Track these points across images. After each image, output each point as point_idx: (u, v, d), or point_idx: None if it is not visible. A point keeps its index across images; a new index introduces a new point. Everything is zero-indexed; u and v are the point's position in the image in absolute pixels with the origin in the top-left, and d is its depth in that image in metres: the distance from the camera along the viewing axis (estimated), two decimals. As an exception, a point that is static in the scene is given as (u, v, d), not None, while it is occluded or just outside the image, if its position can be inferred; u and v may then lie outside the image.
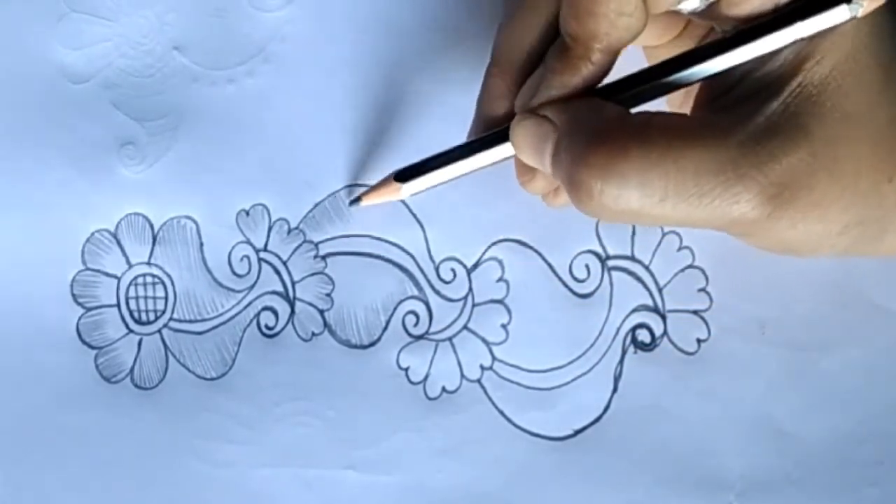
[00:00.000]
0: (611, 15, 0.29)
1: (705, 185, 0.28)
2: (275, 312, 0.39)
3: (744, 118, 0.29)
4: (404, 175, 0.35)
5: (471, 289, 0.39)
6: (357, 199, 0.37)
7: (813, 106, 0.29)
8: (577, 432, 0.39)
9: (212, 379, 0.39)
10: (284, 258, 0.39)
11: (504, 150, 0.33)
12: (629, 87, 0.31)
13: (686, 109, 0.33)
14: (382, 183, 0.36)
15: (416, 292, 0.39)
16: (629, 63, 0.32)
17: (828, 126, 0.29)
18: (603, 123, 0.29)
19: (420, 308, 0.39)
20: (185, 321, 0.39)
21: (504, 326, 0.39)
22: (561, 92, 0.31)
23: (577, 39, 0.30)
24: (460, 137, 0.38)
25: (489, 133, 0.33)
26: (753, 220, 0.28)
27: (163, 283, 0.39)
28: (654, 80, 0.30)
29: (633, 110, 0.30)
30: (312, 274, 0.39)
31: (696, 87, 0.31)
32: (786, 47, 0.29)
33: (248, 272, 0.39)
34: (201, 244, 0.39)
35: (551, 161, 0.30)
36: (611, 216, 0.29)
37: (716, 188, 0.28)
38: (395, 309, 0.39)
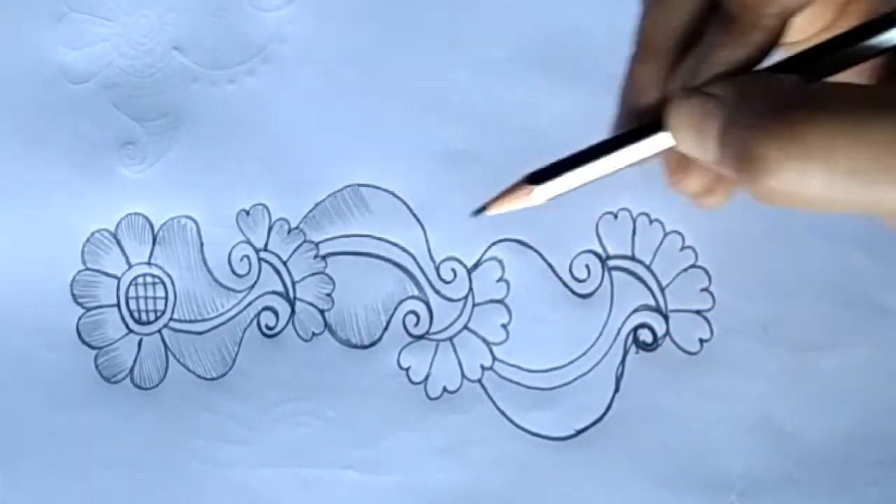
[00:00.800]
0: None
1: None
2: (275, 312, 0.39)
3: None
4: (539, 177, 0.30)
5: (471, 289, 0.39)
6: (482, 209, 0.31)
7: None
8: (579, 432, 0.39)
9: (212, 379, 0.39)
10: (285, 258, 0.39)
11: (654, 144, 0.29)
12: (800, 64, 0.28)
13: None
14: (513, 188, 0.31)
15: (416, 292, 0.39)
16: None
17: None
18: (781, 94, 0.27)
19: (420, 308, 0.39)
20: (186, 321, 0.39)
21: (504, 326, 0.39)
22: (727, 66, 0.28)
23: (745, 5, 0.28)
24: (461, 137, 0.39)
25: (637, 126, 0.30)
26: None
27: (163, 283, 0.39)
28: (831, 52, 0.28)
29: None
30: (313, 274, 0.39)
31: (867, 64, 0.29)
32: None
33: (249, 272, 0.39)
34: (201, 244, 0.39)
35: (719, 140, 0.28)
36: (786, 199, 0.26)
37: None
38: (395, 309, 0.39)
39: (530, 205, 0.31)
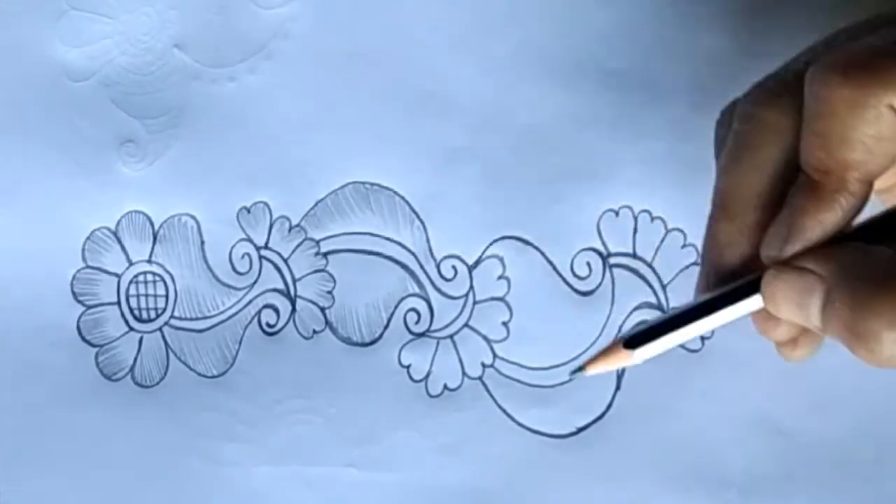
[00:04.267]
0: (868, 140, 0.27)
1: None
2: (276, 310, 0.39)
3: None
4: (636, 341, 0.32)
5: (472, 286, 0.39)
6: (580, 368, 0.33)
7: None
8: (580, 430, 0.39)
9: (213, 377, 0.39)
10: (285, 256, 0.39)
11: (751, 304, 0.31)
12: (887, 227, 0.30)
13: None
14: (610, 350, 0.32)
15: (417, 290, 0.39)
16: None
17: None
18: (882, 269, 0.28)
19: (421, 306, 0.39)
20: (186, 319, 0.39)
21: (505, 324, 0.39)
22: (820, 233, 0.29)
23: (828, 172, 0.28)
24: (463, 134, 0.39)
25: (730, 288, 0.31)
26: None
27: (163, 280, 0.39)
28: None
29: None
30: (314, 271, 0.39)
31: None
32: None
33: (249, 270, 0.39)
34: (202, 242, 0.39)
35: (822, 315, 0.29)
36: None
37: None
38: (396, 306, 0.39)
39: (627, 364, 0.32)
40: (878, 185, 0.32)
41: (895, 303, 0.27)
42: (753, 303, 0.31)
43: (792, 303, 0.29)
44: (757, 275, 0.30)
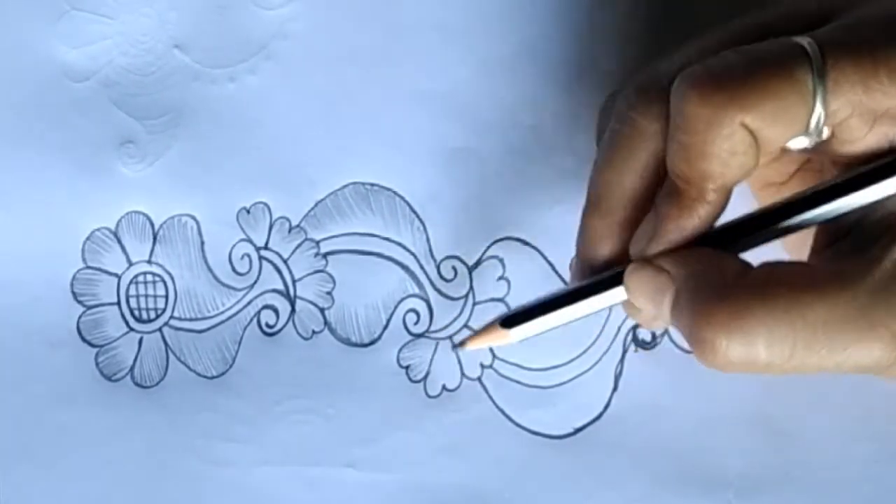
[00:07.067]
0: (723, 155, 0.29)
1: (835, 338, 0.28)
2: (275, 311, 0.40)
3: (868, 264, 0.28)
4: (512, 321, 0.34)
5: (471, 287, 0.40)
6: (462, 343, 0.36)
7: None
8: (578, 430, 0.40)
9: (212, 377, 0.39)
10: (285, 256, 0.39)
11: (616, 295, 0.33)
12: (743, 232, 0.31)
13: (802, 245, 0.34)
14: (488, 328, 0.35)
15: (416, 290, 0.40)
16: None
17: None
18: (724, 279, 0.29)
19: (421, 306, 0.40)
20: (186, 319, 0.40)
21: (505, 325, 0.40)
22: (679, 236, 0.31)
23: (689, 181, 0.30)
24: (462, 136, 0.39)
25: (600, 278, 0.33)
26: (888, 366, 0.28)
27: (163, 281, 0.40)
28: (769, 225, 0.31)
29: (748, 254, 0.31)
30: (313, 272, 0.40)
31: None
32: None
33: (249, 270, 0.40)
34: (202, 242, 0.40)
35: (671, 312, 0.31)
36: (737, 370, 0.29)
37: (846, 339, 0.28)
38: (395, 307, 0.40)
39: (504, 343, 0.35)
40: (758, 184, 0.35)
41: (730, 313, 0.28)
42: (620, 293, 0.33)
43: (647, 297, 0.31)
44: (623, 267, 0.32)
